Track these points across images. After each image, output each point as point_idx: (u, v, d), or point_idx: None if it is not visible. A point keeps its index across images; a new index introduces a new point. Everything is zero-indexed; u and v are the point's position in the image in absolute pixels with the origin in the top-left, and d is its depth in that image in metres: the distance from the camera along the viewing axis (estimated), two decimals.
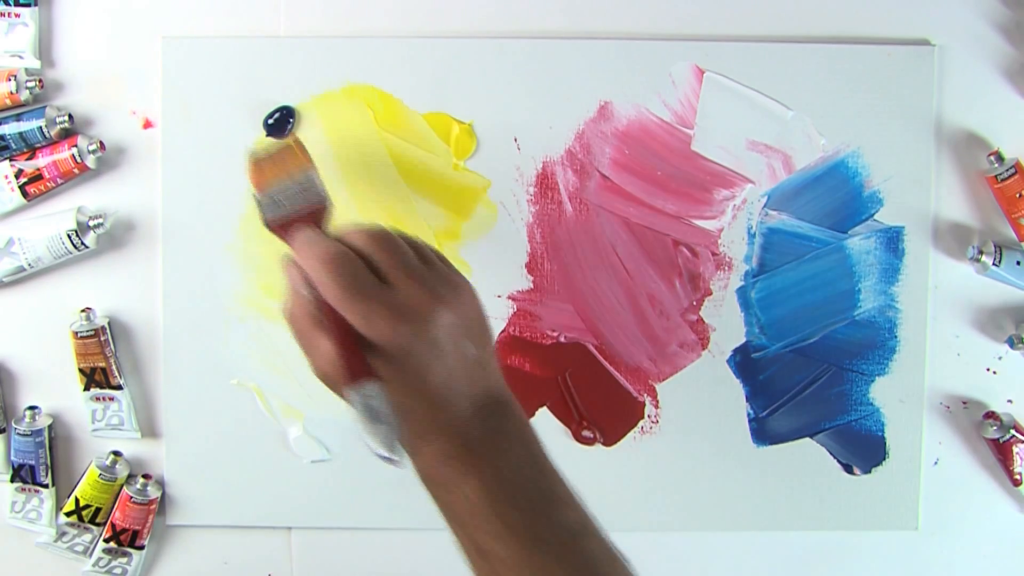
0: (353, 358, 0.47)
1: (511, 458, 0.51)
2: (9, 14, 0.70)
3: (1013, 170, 0.70)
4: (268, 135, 0.71)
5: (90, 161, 0.70)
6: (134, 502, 0.72)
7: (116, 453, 0.73)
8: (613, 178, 0.72)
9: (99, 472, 0.72)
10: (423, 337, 0.48)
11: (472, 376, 0.51)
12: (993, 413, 0.73)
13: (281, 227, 0.55)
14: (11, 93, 0.69)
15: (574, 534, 0.50)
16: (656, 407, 0.73)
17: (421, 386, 0.49)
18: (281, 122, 0.71)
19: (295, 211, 0.55)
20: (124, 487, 0.72)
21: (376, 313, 0.47)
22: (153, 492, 0.73)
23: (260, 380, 0.73)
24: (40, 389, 0.73)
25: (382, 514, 0.74)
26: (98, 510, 0.72)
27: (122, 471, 0.73)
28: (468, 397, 0.50)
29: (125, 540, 0.73)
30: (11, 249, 0.70)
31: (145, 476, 0.73)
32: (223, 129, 0.71)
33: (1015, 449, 0.72)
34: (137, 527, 0.73)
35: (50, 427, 0.72)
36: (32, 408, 0.72)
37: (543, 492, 0.51)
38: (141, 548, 0.73)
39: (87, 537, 0.73)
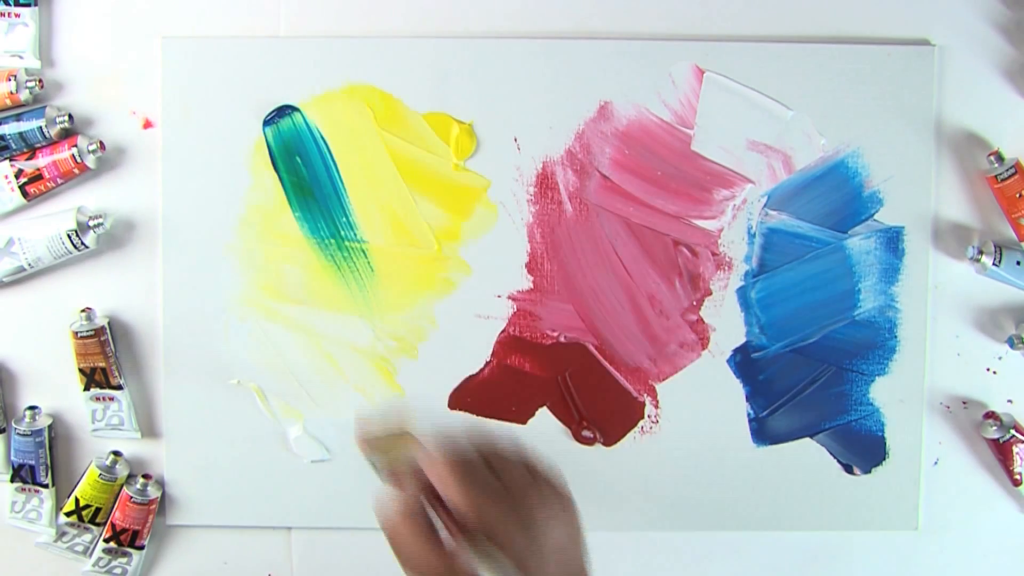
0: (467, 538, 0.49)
1: None
2: (9, 14, 0.70)
3: (1013, 170, 0.70)
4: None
5: (90, 161, 0.70)
6: (134, 502, 0.72)
7: (116, 453, 0.73)
8: (613, 178, 0.72)
9: (99, 472, 0.72)
10: (532, 542, 0.50)
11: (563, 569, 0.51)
12: (993, 413, 0.73)
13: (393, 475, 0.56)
14: (11, 93, 0.69)
15: None
16: (656, 407, 0.73)
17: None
18: None
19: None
20: (124, 487, 0.72)
21: (492, 506, 0.49)
22: (153, 492, 0.73)
23: (260, 380, 0.73)
24: (40, 389, 0.73)
25: None
26: (98, 510, 0.72)
27: (122, 471, 0.73)
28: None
29: (125, 540, 0.73)
30: (11, 249, 0.70)
31: (145, 476, 0.73)
32: (223, 129, 0.71)
33: (1015, 449, 0.72)
34: (137, 527, 0.73)
35: (50, 427, 0.72)
36: (32, 408, 0.72)
37: None
38: (141, 548, 0.73)
39: (87, 537, 0.73)
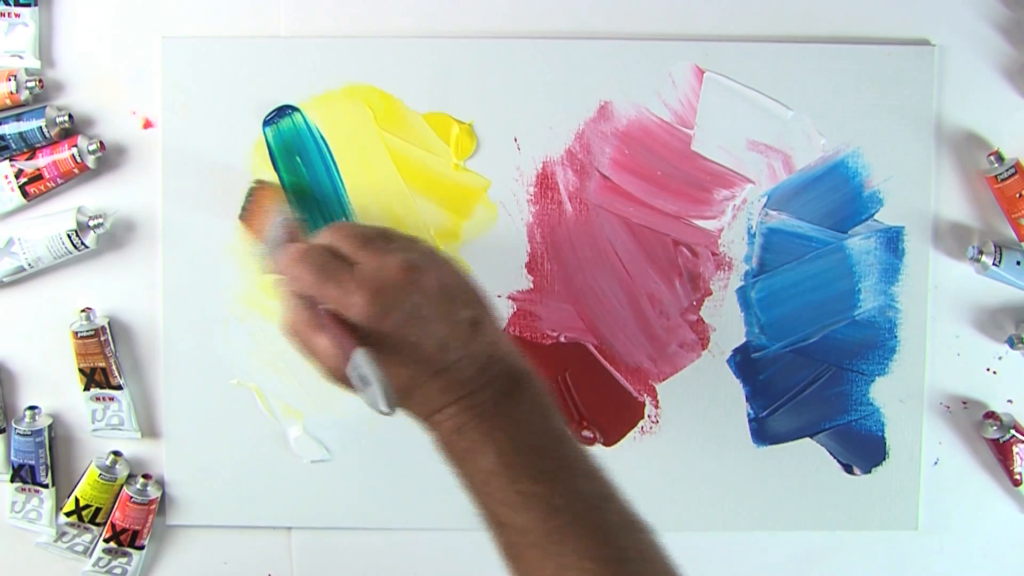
0: (342, 338, 0.49)
1: (527, 428, 0.51)
2: (9, 14, 0.70)
3: (1013, 170, 0.70)
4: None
5: (90, 161, 0.70)
6: (134, 502, 0.72)
7: (116, 453, 0.73)
8: (613, 178, 0.72)
9: (99, 472, 0.72)
10: (403, 305, 0.49)
11: (468, 339, 0.51)
12: (993, 413, 0.73)
13: (271, 261, 0.59)
14: (11, 93, 0.69)
15: (592, 505, 0.50)
16: (656, 407, 0.73)
17: (417, 355, 0.50)
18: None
19: (276, 243, 0.59)
20: (124, 487, 0.72)
21: (349, 291, 0.49)
22: (153, 492, 0.73)
23: (260, 380, 0.73)
24: (40, 389, 0.73)
25: (382, 514, 0.74)
26: (98, 510, 0.72)
27: (122, 471, 0.73)
28: (470, 360, 0.51)
29: (125, 540, 0.73)
30: (11, 249, 0.70)
31: (145, 476, 0.73)
32: (223, 129, 0.71)
33: (1015, 449, 0.72)
34: (137, 527, 0.73)
35: (50, 427, 0.72)
36: (32, 408, 0.72)
37: (560, 462, 0.51)
38: (141, 548, 0.73)
39: (87, 537, 0.73)
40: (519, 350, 0.54)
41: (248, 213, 0.67)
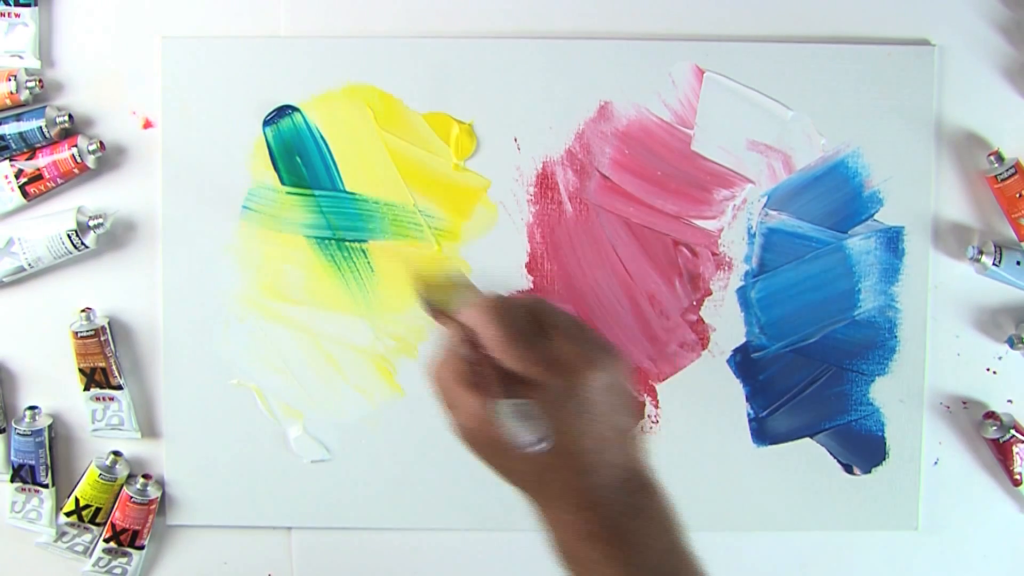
0: (507, 386, 0.48)
1: (653, 545, 0.50)
2: (9, 14, 0.70)
3: (1013, 170, 0.70)
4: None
5: (90, 161, 0.70)
6: (134, 502, 0.72)
7: (116, 453, 0.73)
8: (613, 178, 0.72)
9: (99, 472, 0.72)
10: (576, 394, 0.48)
11: (622, 448, 0.50)
12: (993, 413, 0.73)
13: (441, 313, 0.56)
14: (11, 93, 0.69)
15: None
16: (656, 407, 0.73)
17: (571, 446, 0.48)
18: None
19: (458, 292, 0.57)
20: (124, 487, 0.72)
21: (533, 357, 0.48)
22: (153, 492, 0.73)
23: (260, 380, 0.73)
24: (40, 389, 0.73)
25: (382, 514, 0.74)
26: (98, 510, 0.72)
27: (122, 471, 0.73)
28: (616, 468, 0.49)
29: (125, 540, 0.73)
30: (11, 249, 0.70)
31: (145, 476, 0.73)
32: (223, 129, 0.71)
33: (1015, 449, 0.72)
34: (137, 527, 0.73)
35: (50, 427, 0.72)
36: (32, 408, 0.72)
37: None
38: (141, 548, 0.73)
39: (87, 537, 0.73)
40: (651, 460, 0.53)
41: (440, 284, 0.60)
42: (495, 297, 0.51)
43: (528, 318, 0.50)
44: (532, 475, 0.49)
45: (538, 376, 0.48)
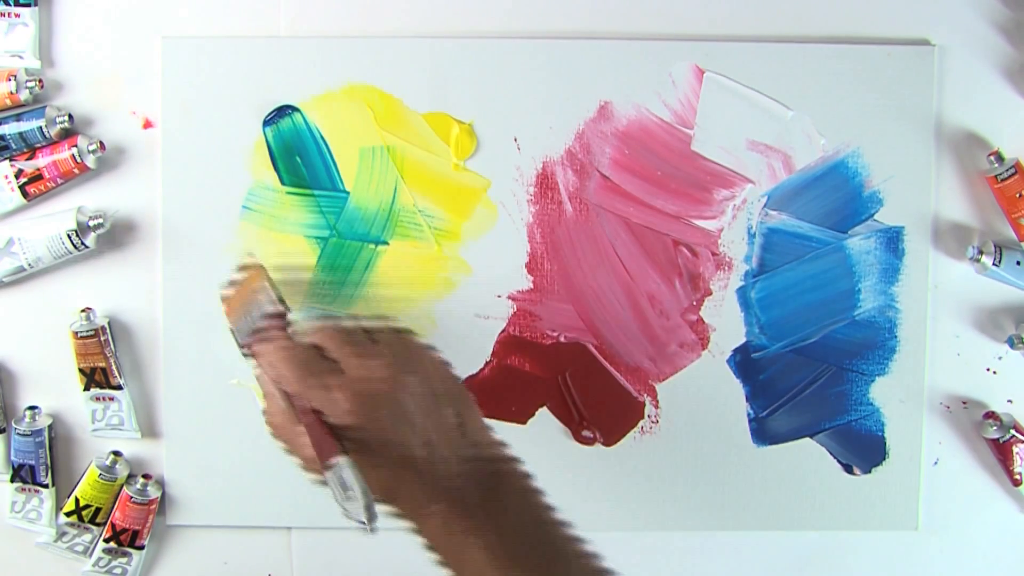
0: (323, 441, 0.49)
1: (514, 520, 0.51)
2: (9, 14, 0.70)
3: (1013, 170, 0.70)
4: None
5: (90, 161, 0.70)
6: (134, 502, 0.72)
7: (116, 453, 0.73)
8: (613, 178, 0.72)
9: (99, 472, 0.72)
10: (387, 409, 0.50)
11: (455, 438, 0.52)
12: (993, 413, 0.73)
13: (250, 346, 0.58)
14: (11, 93, 0.69)
15: None
16: (656, 407, 0.73)
17: (404, 456, 0.50)
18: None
19: (258, 328, 0.59)
20: (124, 487, 0.72)
21: (333, 395, 0.49)
22: (153, 492, 0.73)
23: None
24: (40, 389, 0.73)
25: (382, 514, 0.74)
26: (98, 510, 0.72)
27: (122, 471, 0.73)
28: (456, 459, 0.51)
29: (125, 540, 0.73)
30: (11, 249, 0.70)
31: (145, 476, 0.73)
32: (223, 129, 0.71)
33: (1015, 449, 0.72)
34: (137, 527, 0.73)
35: (50, 427, 0.72)
36: (32, 408, 0.72)
37: (549, 551, 0.51)
38: (141, 548, 0.73)
39: (87, 537, 0.73)
40: (501, 439, 0.54)
41: (233, 289, 0.64)
42: (279, 342, 0.52)
43: (314, 352, 0.51)
44: (384, 496, 0.50)
45: (343, 409, 0.49)
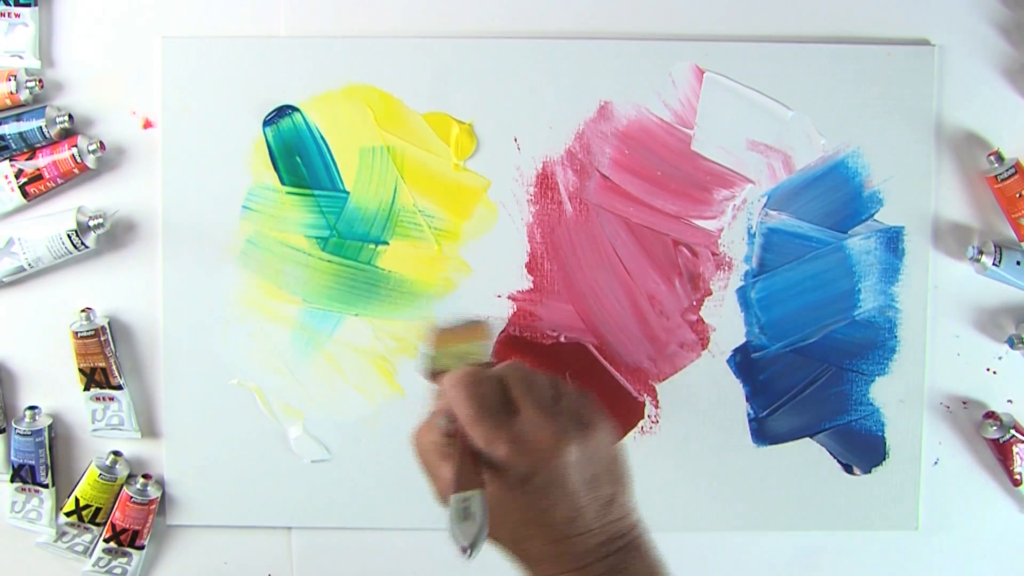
0: (466, 472, 0.49)
1: None
2: (9, 14, 0.70)
3: (1013, 170, 0.70)
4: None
5: (90, 161, 0.70)
6: (134, 502, 0.72)
7: (116, 453, 0.73)
8: (613, 178, 0.72)
9: (99, 472, 0.72)
10: (544, 471, 0.49)
11: (603, 515, 0.51)
12: (993, 413, 0.73)
13: (437, 376, 0.59)
14: (11, 93, 0.69)
15: None
16: (656, 407, 0.73)
17: (543, 518, 0.49)
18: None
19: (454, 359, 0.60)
20: (124, 487, 0.72)
21: (499, 438, 0.49)
22: (153, 492, 0.73)
23: (260, 380, 0.73)
24: (40, 389, 0.73)
25: (382, 514, 0.74)
26: (98, 510, 0.72)
27: (122, 471, 0.73)
28: (596, 535, 0.50)
29: (125, 540, 0.73)
30: (11, 249, 0.70)
31: (145, 476, 0.73)
32: (223, 129, 0.71)
33: (1015, 449, 0.72)
34: (137, 527, 0.73)
35: (50, 427, 0.72)
36: (32, 408, 0.72)
37: None
38: (141, 548, 0.73)
39: (87, 537, 0.73)
40: (641, 522, 0.53)
41: (454, 332, 0.65)
42: (471, 369, 0.52)
43: (498, 392, 0.51)
44: (510, 541, 0.50)
45: (503, 458, 0.49)
